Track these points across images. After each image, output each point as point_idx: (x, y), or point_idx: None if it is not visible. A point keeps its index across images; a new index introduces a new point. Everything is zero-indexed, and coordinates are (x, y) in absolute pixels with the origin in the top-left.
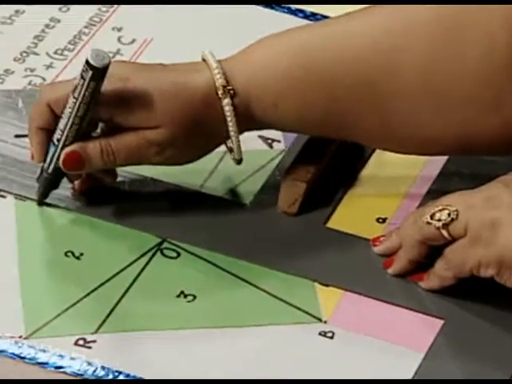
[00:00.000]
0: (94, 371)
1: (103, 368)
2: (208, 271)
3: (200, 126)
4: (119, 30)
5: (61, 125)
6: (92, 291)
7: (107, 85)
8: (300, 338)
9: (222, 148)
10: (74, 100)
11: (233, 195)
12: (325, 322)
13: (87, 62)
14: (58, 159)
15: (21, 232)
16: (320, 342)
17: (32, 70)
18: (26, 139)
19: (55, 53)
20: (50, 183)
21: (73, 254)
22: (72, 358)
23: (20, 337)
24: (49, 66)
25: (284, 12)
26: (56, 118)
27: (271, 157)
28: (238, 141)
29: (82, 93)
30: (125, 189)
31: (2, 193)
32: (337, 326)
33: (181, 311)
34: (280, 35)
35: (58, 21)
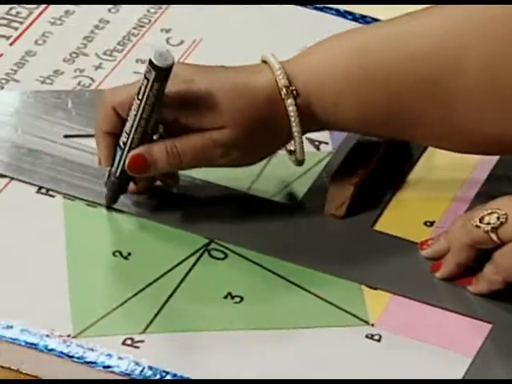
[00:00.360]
0: (142, 371)
1: (150, 368)
2: (255, 272)
3: (264, 126)
4: (168, 31)
5: (126, 127)
6: (140, 291)
7: (171, 86)
8: (347, 340)
9: None
10: (139, 102)
11: (280, 197)
12: (372, 324)
13: (150, 63)
14: (124, 162)
15: (69, 231)
16: (367, 344)
17: (81, 71)
18: (76, 139)
19: (104, 53)
20: (117, 187)
21: (121, 253)
22: (120, 358)
23: (68, 336)
24: (98, 67)
25: (332, 14)
26: (122, 121)
27: (318, 159)
28: (301, 141)
29: (146, 94)
30: (173, 190)
31: (51, 192)
32: (384, 329)
33: (228, 312)
34: (340, 36)
35: (108, 22)
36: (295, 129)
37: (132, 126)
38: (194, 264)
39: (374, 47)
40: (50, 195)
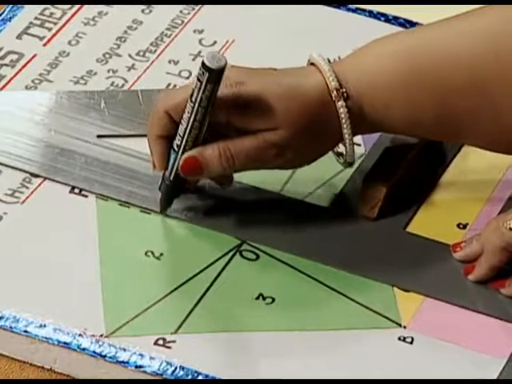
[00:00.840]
0: (174, 371)
1: (182, 368)
2: (287, 274)
3: (315, 128)
4: (200, 32)
5: (180, 130)
6: (171, 291)
7: (224, 88)
8: (379, 342)
9: None
10: (192, 104)
11: (312, 199)
12: (404, 327)
13: (203, 65)
14: (178, 166)
15: (102, 231)
16: (399, 347)
17: (114, 72)
18: (109, 139)
19: (137, 54)
20: (172, 191)
21: (153, 253)
22: (152, 358)
23: (101, 335)
24: (130, 68)
25: (365, 16)
26: (175, 124)
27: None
28: (352, 143)
29: (200, 96)
30: (205, 191)
31: (84, 192)
32: (416, 332)
33: (259, 313)
34: (389, 38)
35: (141, 23)
36: (346, 131)
37: (186, 129)
38: (226, 265)
39: (424, 50)
40: (83, 195)
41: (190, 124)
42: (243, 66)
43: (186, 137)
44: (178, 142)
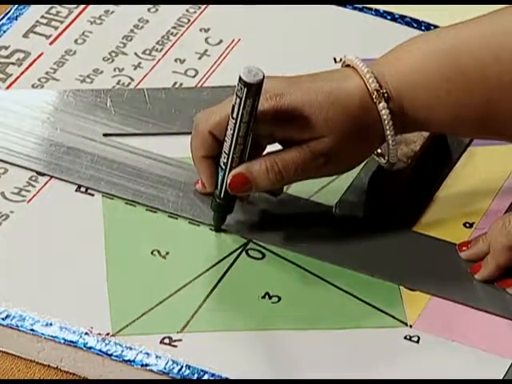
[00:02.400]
0: (180, 370)
1: (188, 367)
2: (293, 273)
3: (359, 132)
4: (206, 30)
5: (225, 148)
6: (177, 290)
7: (264, 102)
8: (385, 341)
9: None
10: (234, 121)
11: (318, 197)
12: (410, 326)
13: (241, 80)
14: (227, 183)
15: (108, 230)
16: (405, 346)
17: (120, 70)
18: (115, 138)
19: (143, 53)
20: (224, 208)
21: (159, 252)
22: (158, 357)
23: (107, 334)
24: (137, 66)
25: (371, 14)
26: (219, 143)
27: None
28: (395, 144)
29: (241, 112)
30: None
31: (90, 191)
32: (422, 331)
33: (266, 312)
34: (426, 37)
35: (147, 21)
36: (388, 132)
37: (230, 146)
38: (232, 264)
39: (465, 48)
40: (89, 194)
41: (234, 141)
42: (279, 75)
43: (231, 154)
44: (225, 160)
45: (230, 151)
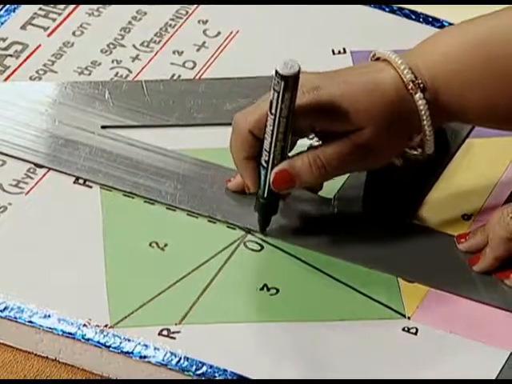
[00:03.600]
0: (178, 362)
1: (187, 359)
2: (291, 265)
3: (397, 123)
4: (205, 22)
5: (265, 146)
6: (176, 282)
7: (301, 96)
8: (383, 333)
9: (306, 142)
10: (273, 116)
11: (317, 190)
12: (408, 318)
13: (277, 74)
14: (269, 181)
15: (106, 222)
16: (403, 337)
17: (118, 62)
18: (113, 130)
19: (141, 45)
20: (268, 208)
21: (157, 244)
22: (156, 348)
23: (106, 326)
24: (135, 58)
25: (369, 6)
26: (260, 142)
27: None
28: (432, 135)
29: (279, 107)
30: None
31: (89, 183)
32: (421, 323)
33: (264, 304)
34: (459, 27)
35: (145, 13)
36: (425, 122)
37: (271, 143)
38: (230, 256)
39: (497, 38)
40: (88, 186)
41: (274, 137)
42: (312, 72)
43: (272, 151)
44: (266, 158)
45: (270, 148)
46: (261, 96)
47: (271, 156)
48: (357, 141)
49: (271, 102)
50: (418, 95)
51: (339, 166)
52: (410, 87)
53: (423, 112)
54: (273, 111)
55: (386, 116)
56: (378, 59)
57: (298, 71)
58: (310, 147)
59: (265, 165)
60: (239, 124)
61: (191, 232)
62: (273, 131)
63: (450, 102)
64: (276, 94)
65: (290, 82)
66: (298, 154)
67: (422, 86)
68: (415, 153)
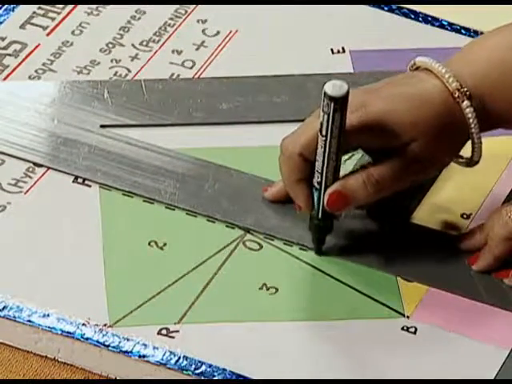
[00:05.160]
0: (177, 361)
1: (186, 358)
2: (290, 264)
3: (446, 133)
4: (204, 21)
5: (317, 167)
6: (175, 282)
7: (349, 115)
8: (382, 332)
9: None
10: (324, 138)
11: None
12: (407, 317)
13: (326, 95)
14: (323, 202)
15: (105, 221)
16: (403, 337)
17: (117, 61)
18: (112, 129)
19: (140, 44)
20: (323, 229)
21: (156, 243)
22: (155, 348)
23: (105, 325)
24: (134, 58)
25: (368, 5)
26: (311, 164)
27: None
28: (480, 142)
29: (330, 128)
30: (209, 178)
31: (88, 182)
32: (420, 322)
33: (263, 303)
34: (499, 32)
35: (144, 12)
36: (474, 130)
37: (323, 164)
38: (229, 255)
39: None
40: (87, 185)
41: (326, 158)
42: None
43: (324, 172)
44: (319, 179)
45: (323, 169)
46: (260, 96)
47: (324, 177)
48: (408, 154)
49: (321, 124)
50: (465, 103)
51: (393, 182)
52: (456, 96)
53: (471, 120)
54: (323, 133)
55: (435, 127)
56: (417, 68)
57: (347, 92)
58: (362, 166)
59: (317, 186)
60: (288, 148)
61: (190, 231)
62: (324, 152)
63: (497, 109)
64: (326, 116)
65: (340, 103)
66: (350, 173)
67: (468, 93)
68: (462, 161)
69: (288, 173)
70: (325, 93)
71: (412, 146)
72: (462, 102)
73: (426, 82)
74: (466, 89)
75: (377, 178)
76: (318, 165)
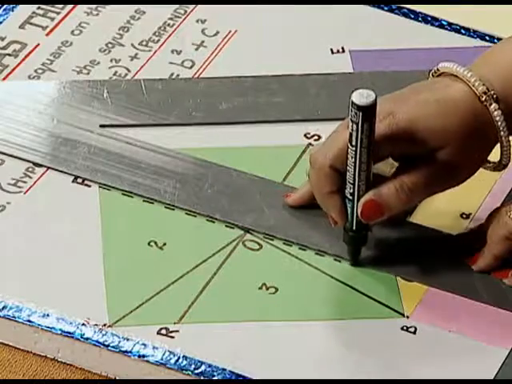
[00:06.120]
0: (177, 361)
1: (185, 358)
2: (290, 264)
3: (475, 137)
4: (203, 21)
5: (349, 178)
6: (174, 281)
7: (378, 123)
8: (382, 332)
9: (304, 141)
10: (354, 148)
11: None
12: (407, 317)
13: (354, 105)
14: (357, 213)
15: (105, 221)
16: (402, 336)
17: (117, 61)
18: (112, 129)
19: (140, 44)
20: (358, 240)
21: (156, 243)
22: (155, 347)
23: (104, 325)
24: (133, 57)
25: (368, 5)
26: (342, 175)
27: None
28: (509, 145)
29: (359, 138)
30: (209, 178)
31: (87, 182)
32: (419, 322)
33: (262, 303)
34: None
35: (143, 12)
36: (503, 133)
37: (355, 175)
38: (229, 255)
39: None
40: (86, 185)
41: (357, 168)
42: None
43: (356, 182)
44: (351, 190)
45: (355, 180)
46: (260, 95)
47: (356, 187)
48: (439, 160)
49: (351, 134)
50: (493, 106)
51: (426, 188)
52: (483, 99)
53: (499, 123)
54: (353, 143)
55: (463, 131)
56: (439, 75)
57: (375, 100)
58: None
59: (350, 197)
60: (319, 160)
61: (190, 231)
62: (355, 163)
63: None
64: (355, 126)
65: (368, 111)
66: (382, 181)
67: (495, 96)
68: (489, 165)
69: (319, 186)
70: (352, 102)
71: (442, 152)
72: (490, 105)
73: (451, 87)
74: (492, 91)
75: (410, 185)
76: (350, 175)
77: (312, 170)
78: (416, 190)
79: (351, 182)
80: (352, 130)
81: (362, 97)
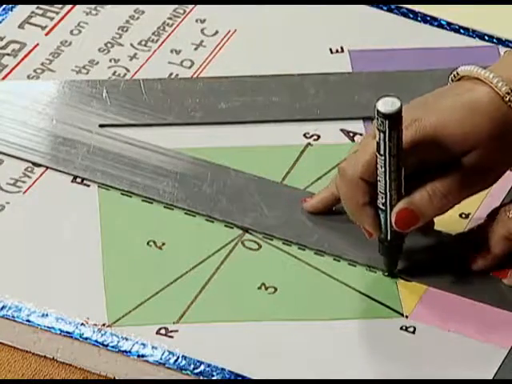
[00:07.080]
0: (176, 361)
1: (184, 358)
2: (289, 263)
3: (502, 138)
4: (202, 21)
5: (380, 188)
6: (174, 281)
7: (404, 131)
8: (381, 332)
9: (303, 141)
10: (383, 157)
11: (315, 188)
12: (406, 316)
13: (379, 113)
14: (391, 223)
15: (104, 221)
16: (401, 336)
17: (116, 61)
18: (111, 129)
19: (139, 44)
20: (394, 250)
21: (155, 243)
22: (154, 347)
23: (103, 325)
24: (133, 57)
25: (367, 5)
26: (373, 185)
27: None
28: None
29: (388, 146)
30: (208, 178)
31: (86, 182)
32: (418, 321)
33: (262, 303)
34: None
35: (143, 12)
36: None
37: (385, 184)
38: (228, 255)
39: None
40: (85, 184)
41: (388, 178)
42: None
43: (388, 192)
44: (383, 200)
45: (386, 189)
46: (259, 95)
47: (388, 197)
48: (469, 163)
49: (378, 143)
50: None
51: (459, 192)
52: (507, 99)
53: None
54: (381, 152)
55: (491, 133)
56: (459, 79)
57: (400, 107)
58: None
59: (383, 207)
60: (348, 173)
61: (189, 231)
62: (385, 172)
63: None
64: (382, 134)
65: (395, 119)
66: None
67: None
68: None
69: (351, 198)
70: (378, 111)
71: (472, 155)
72: None
73: (474, 90)
74: None
75: (442, 191)
76: (381, 185)
77: (342, 182)
78: (449, 195)
79: (382, 191)
80: (379, 139)
81: (386, 105)
